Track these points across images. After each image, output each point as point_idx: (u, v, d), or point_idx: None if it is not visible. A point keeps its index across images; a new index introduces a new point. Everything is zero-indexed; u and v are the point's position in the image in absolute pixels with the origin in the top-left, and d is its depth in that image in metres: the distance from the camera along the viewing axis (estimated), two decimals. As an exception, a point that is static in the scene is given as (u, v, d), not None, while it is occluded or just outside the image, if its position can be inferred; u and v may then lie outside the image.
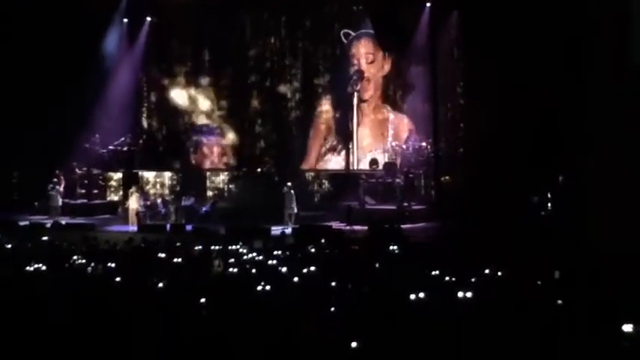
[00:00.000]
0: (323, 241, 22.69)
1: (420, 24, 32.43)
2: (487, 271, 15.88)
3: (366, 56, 34.09)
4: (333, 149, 35.07)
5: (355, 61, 34.28)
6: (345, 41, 34.26)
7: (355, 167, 34.46)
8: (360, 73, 34.11)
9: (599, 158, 22.01)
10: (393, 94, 34.22)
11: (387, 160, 33.13)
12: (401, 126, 34.02)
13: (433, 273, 16.10)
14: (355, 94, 34.06)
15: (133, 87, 37.16)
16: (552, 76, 26.95)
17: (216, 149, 37.00)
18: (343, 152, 34.84)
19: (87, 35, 33.89)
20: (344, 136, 34.77)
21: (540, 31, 27.22)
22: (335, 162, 35.15)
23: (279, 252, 20.61)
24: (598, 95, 21.85)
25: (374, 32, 33.63)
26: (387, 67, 34.10)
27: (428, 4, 32.13)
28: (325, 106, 35.13)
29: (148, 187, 36.21)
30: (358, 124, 34.19)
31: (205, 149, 37.18)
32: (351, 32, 34.09)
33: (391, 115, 34.21)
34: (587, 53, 23.04)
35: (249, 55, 36.14)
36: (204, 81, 36.93)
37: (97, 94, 35.32)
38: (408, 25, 32.60)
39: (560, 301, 12.73)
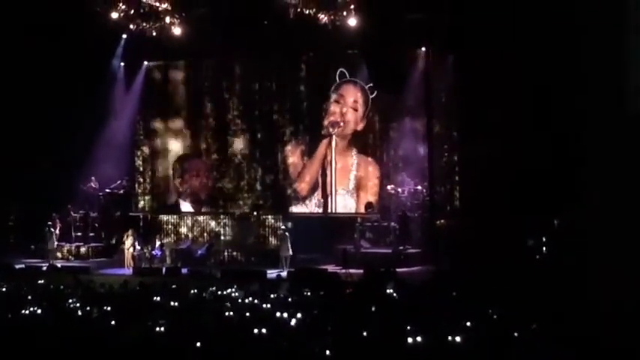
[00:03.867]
0: (318, 284, 22.67)
1: (416, 68, 32.57)
2: (482, 314, 15.88)
3: (352, 103, 34.01)
4: (312, 191, 34.99)
5: (341, 101, 34.35)
6: (337, 80, 34.33)
7: (333, 209, 34.46)
8: (342, 116, 34.14)
9: (594, 201, 22.02)
10: (362, 141, 34.31)
11: (382, 203, 33.16)
12: (365, 170, 34.05)
13: (428, 316, 16.10)
14: (333, 136, 34.15)
15: (129, 130, 37.27)
16: (548, 120, 27.07)
17: (211, 192, 36.96)
18: (319, 195, 34.85)
19: (84, 78, 34.04)
20: (323, 177, 34.78)
21: (536, 76, 27.38)
22: (313, 204, 35.11)
23: (275, 295, 20.62)
24: (594, 139, 21.92)
25: (368, 74, 33.58)
26: (361, 125, 34.04)
27: (423, 48, 32.27)
28: (314, 148, 35.00)
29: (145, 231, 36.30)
30: (335, 165, 34.24)
31: (201, 193, 37.18)
32: (346, 74, 34.18)
33: (355, 158, 34.23)
34: (582, 96, 23.13)
35: (244, 99, 36.21)
36: (198, 124, 36.94)
37: (94, 136, 35.40)
38: (403, 69, 32.71)
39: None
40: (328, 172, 34.38)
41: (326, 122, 34.32)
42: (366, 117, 34.02)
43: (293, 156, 35.36)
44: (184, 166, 37.42)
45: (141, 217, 37.13)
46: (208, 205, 37.01)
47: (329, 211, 34.43)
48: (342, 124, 34.06)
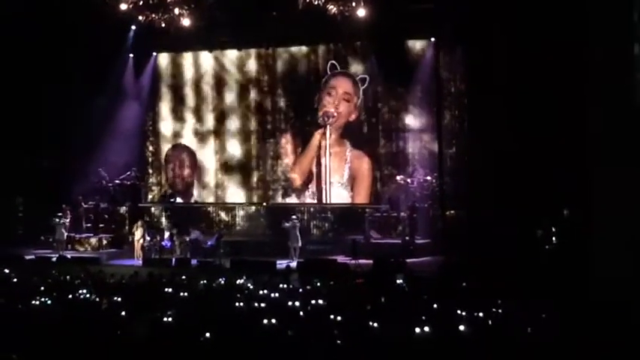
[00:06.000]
0: (328, 274, 22.69)
1: (425, 59, 32.53)
2: (492, 305, 15.86)
3: (344, 95, 34.03)
4: (307, 182, 35.06)
5: (332, 93, 34.30)
6: (329, 72, 34.38)
7: (327, 200, 34.51)
8: (336, 107, 34.14)
9: (603, 191, 21.99)
10: (355, 133, 34.28)
11: (392, 194, 33.13)
12: (358, 162, 34.08)
13: (438, 307, 16.10)
14: (328, 127, 34.15)
15: (138, 121, 37.29)
16: (556, 110, 27.02)
17: (219, 183, 36.98)
18: (314, 186, 34.94)
19: (94, 70, 34.06)
20: (317, 168, 34.82)
21: (544, 66, 27.32)
22: (307, 196, 35.15)
23: (285, 286, 20.65)
24: (601, 130, 21.89)
25: (377, 65, 33.46)
26: (354, 116, 34.06)
27: (432, 39, 32.24)
28: (314, 139, 34.98)
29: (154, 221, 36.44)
30: (330, 156, 34.31)
31: (209, 183, 37.19)
32: (337, 65, 34.25)
33: (348, 151, 34.20)
34: (590, 89, 23.09)
35: (253, 90, 36.21)
36: (206, 115, 36.99)
37: (104, 127, 35.45)
38: (412, 60, 32.67)
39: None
40: (322, 163, 34.44)
41: (320, 113, 34.32)
42: (358, 108, 34.03)
43: (289, 147, 35.41)
44: (174, 156, 37.59)
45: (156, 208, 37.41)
46: (218, 196, 37.09)
47: (324, 201, 34.55)
48: (336, 114, 34.03)
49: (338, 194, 34.23)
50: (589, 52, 21.80)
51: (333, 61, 34.26)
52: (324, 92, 34.46)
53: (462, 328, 13.69)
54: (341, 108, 34.06)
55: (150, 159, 38.07)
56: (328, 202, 34.42)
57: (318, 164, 34.53)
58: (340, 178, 34.19)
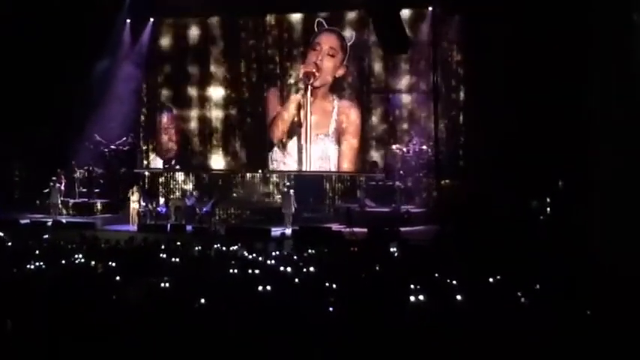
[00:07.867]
0: (322, 242, 22.75)
1: (422, 27, 32.45)
2: (485, 274, 15.90)
3: (329, 50, 34.04)
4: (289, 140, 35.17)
5: (317, 48, 34.31)
6: (316, 29, 34.38)
7: (308, 166, 34.61)
8: (318, 65, 34.16)
9: (599, 162, 22.05)
10: (342, 88, 34.31)
11: (387, 162, 33.16)
12: (346, 112, 34.09)
13: (432, 276, 16.15)
14: (309, 87, 34.20)
15: (135, 86, 37.16)
16: (554, 81, 27.00)
17: (214, 149, 36.96)
18: (295, 148, 35.00)
19: (91, 34, 33.91)
20: (297, 130, 34.89)
21: (543, 36, 27.28)
22: (287, 159, 35.21)
23: (279, 253, 20.72)
24: (600, 99, 21.93)
25: (375, 34, 33.32)
26: (340, 72, 34.07)
27: (430, 8, 32.15)
28: (291, 101, 35.11)
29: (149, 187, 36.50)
30: (311, 115, 34.41)
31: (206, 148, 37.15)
32: (324, 23, 34.24)
33: (336, 103, 34.16)
34: (589, 60, 23.11)
35: (250, 56, 36.14)
36: (203, 80, 36.90)
37: (100, 93, 35.37)
38: (409, 29, 32.53)
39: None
40: (304, 122, 34.52)
41: (301, 73, 34.44)
42: (345, 64, 34.03)
43: (283, 112, 35.34)
44: (169, 122, 37.74)
45: (147, 173, 37.36)
46: (204, 163, 37.16)
47: (305, 160, 34.67)
48: (317, 74, 34.12)
49: (324, 149, 34.26)
50: (590, 19, 21.83)
51: (320, 19, 34.20)
52: (309, 49, 34.55)
53: (455, 297, 13.75)
54: (325, 63, 34.05)
55: (146, 125, 38.01)
56: (310, 162, 34.50)
57: (302, 123, 34.60)
58: (326, 131, 34.21)
